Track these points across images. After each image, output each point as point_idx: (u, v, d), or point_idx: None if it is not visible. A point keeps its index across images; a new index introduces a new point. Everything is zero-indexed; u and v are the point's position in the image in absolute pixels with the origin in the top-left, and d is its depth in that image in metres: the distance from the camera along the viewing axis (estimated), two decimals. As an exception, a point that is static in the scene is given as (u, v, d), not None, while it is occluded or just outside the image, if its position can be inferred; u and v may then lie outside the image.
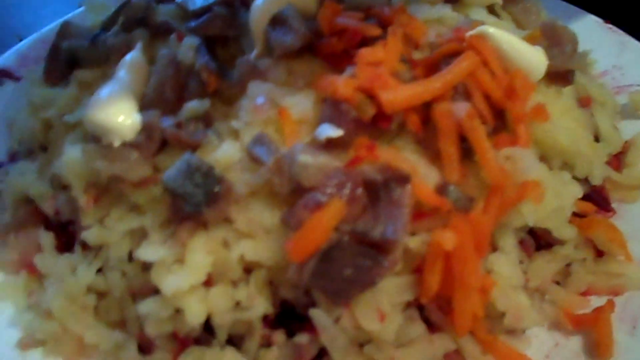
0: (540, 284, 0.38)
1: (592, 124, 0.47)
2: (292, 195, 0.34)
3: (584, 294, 0.40)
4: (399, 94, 0.35)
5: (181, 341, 0.35)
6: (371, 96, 0.35)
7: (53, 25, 0.63)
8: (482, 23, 0.43)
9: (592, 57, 0.56)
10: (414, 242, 0.33)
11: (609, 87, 0.54)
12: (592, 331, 0.37)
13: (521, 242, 0.38)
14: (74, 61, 0.45)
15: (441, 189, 0.34)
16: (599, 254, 0.41)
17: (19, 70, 0.59)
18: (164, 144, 0.38)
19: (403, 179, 0.33)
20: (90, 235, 0.38)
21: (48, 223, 0.42)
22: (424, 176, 0.34)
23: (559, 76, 0.43)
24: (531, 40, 0.44)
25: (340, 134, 0.34)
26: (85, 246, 0.39)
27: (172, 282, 0.33)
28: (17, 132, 0.47)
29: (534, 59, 0.41)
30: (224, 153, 0.36)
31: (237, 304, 0.34)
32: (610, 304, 0.38)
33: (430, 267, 0.33)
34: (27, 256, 0.41)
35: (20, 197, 0.42)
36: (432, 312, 0.34)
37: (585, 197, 0.44)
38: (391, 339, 0.33)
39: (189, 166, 0.34)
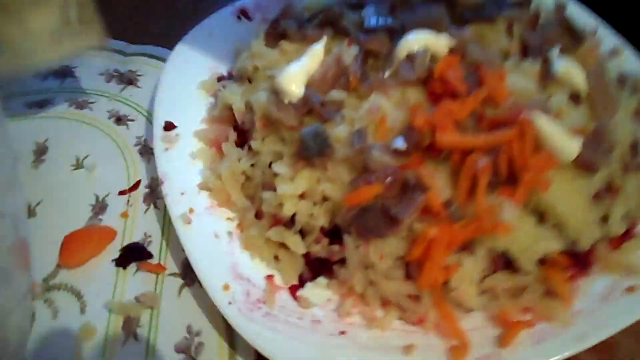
0: (491, 286, 0.60)
1: (607, 207, 0.64)
2: (363, 170, 0.60)
3: (524, 310, 0.61)
4: (448, 138, 0.58)
5: (276, 220, 0.65)
6: (433, 132, 0.59)
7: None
8: (543, 109, 0.62)
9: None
10: (417, 226, 0.58)
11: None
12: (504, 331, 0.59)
13: (493, 259, 0.60)
14: (284, 35, 0.74)
15: (447, 204, 0.58)
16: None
17: (254, 13, 0.90)
18: (311, 111, 0.66)
19: (423, 188, 0.57)
20: (254, 144, 0.68)
21: (236, 126, 0.73)
22: (441, 192, 0.58)
23: (586, 165, 0.61)
24: (579, 131, 0.62)
25: (404, 148, 0.59)
26: (250, 148, 0.70)
27: (283, 187, 0.62)
28: (238, 64, 0.78)
29: (566, 147, 0.60)
30: (340, 131, 0.63)
31: (311, 215, 0.63)
32: (528, 322, 0.59)
33: (418, 243, 0.57)
34: (219, 140, 0.73)
35: (226, 105, 0.74)
36: (412, 268, 0.59)
37: (572, 254, 0.63)
38: (382, 272, 0.60)
39: (316, 130, 0.62)
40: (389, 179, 0.58)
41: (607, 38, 0.83)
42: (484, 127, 0.61)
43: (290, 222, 0.64)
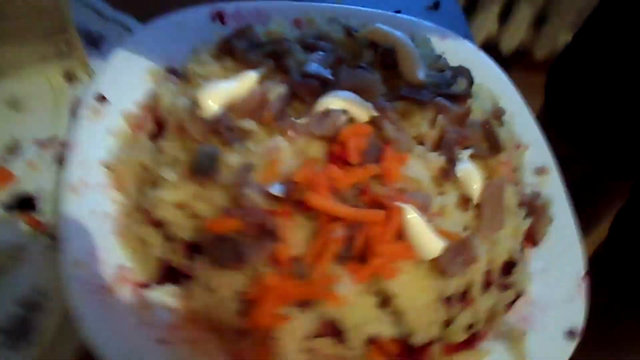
0: (314, 347, 0.62)
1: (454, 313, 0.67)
2: (235, 202, 0.63)
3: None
4: (317, 200, 0.61)
5: (149, 218, 0.68)
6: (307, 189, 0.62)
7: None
8: (423, 203, 0.64)
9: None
10: (262, 269, 0.61)
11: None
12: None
13: (324, 323, 0.63)
14: (232, 52, 0.77)
15: (295, 260, 0.60)
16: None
17: (229, 19, 0.93)
18: (217, 131, 0.69)
19: (277, 237, 0.60)
20: (162, 143, 0.71)
21: (158, 119, 0.76)
22: (294, 247, 0.61)
23: (440, 269, 0.63)
24: (449, 235, 0.64)
25: (278, 195, 0.62)
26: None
27: (163, 192, 0.65)
28: (184, 63, 0.81)
29: (426, 246, 0.62)
30: (232, 159, 0.65)
31: (178, 225, 0.66)
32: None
33: (255, 285, 0.60)
34: (139, 126, 0.77)
35: (157, 97, 0.77)
36: (246, 306, 0.62)
37: (405, 344, 0.66)
38: (219, 299, 0.62)
39: (210, 151, 0.65)
40: (250, 218, 0.60)
41: (541, 155, 0.85)
42: (365, 201, 0.64)
43: (160, 225, 0.66)
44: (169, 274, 0.66)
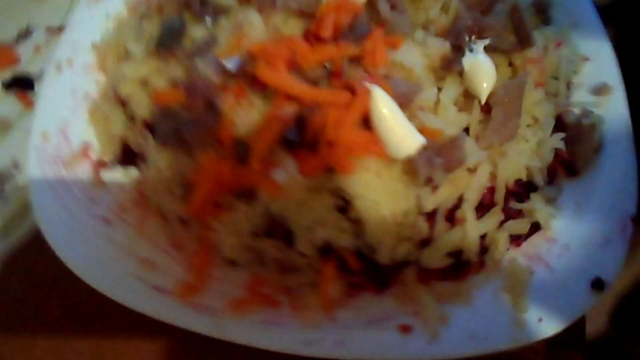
0: (260, 247, 0.54)
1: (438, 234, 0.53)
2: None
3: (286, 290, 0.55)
4: (267, 73, 0.51)
5: (120, 98, 0.63)
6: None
7: None
8: (406, 93, 0.52)
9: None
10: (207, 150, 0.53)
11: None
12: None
13: (274, 222, 0.54)
14: None
15: (239, 142, 0.52)
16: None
17: None
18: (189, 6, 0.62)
19: (220, 115, 0.52)
20: (145, 22, 0.66)
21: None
22: (240, 128, 0.52)
23: (413, 172, 0.51)
24: (432, 133, 0.51)
25: (233, 70, 0.54)
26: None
27: (126, 66, 0.60)
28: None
29: (398, 142, 0.50)
30: (196, 32, 0.59)
31: (138, 104, 0.60)
32: (269, 301, 0.53)
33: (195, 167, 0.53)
34: (135, 7, 0.73)
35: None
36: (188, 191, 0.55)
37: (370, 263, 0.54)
38: (166, 181, 0.56)
39: (175, 22, 0.59)
40: (196, 93, 0.53)
41: (606, 72, 0.67)
42: (335, 85, 0.53)
43: (125, 104, 0.62)
44: (129, 156, 0.62)
